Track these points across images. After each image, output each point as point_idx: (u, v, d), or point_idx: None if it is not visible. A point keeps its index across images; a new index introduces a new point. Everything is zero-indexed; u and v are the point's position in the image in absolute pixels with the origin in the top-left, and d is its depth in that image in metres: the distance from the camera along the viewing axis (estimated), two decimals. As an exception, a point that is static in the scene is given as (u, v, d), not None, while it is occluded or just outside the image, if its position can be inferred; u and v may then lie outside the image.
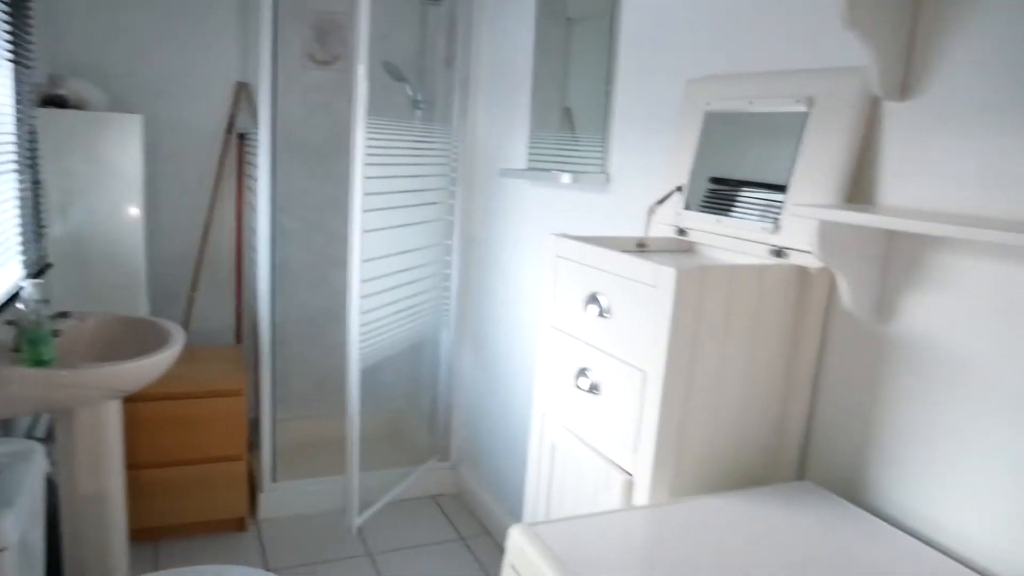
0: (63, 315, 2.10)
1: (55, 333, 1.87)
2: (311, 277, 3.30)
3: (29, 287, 1.79)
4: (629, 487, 1.33)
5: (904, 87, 1.26)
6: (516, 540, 1.11)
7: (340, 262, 3.31)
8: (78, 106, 2.54)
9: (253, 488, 2.89)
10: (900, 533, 1.20)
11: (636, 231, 1.94)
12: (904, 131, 1.26)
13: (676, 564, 1.05)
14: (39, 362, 1.79)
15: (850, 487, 1.36)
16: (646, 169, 1.93)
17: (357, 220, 2.38)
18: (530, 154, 2.51)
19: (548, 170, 2.35)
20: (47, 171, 2.44)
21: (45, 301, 1.83)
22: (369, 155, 2.40)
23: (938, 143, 1.21)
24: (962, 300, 1.18)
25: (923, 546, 1.17)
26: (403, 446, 3.41)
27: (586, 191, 2.20)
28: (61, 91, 2.52)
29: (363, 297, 2.47)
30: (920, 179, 1.24)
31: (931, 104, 1.22)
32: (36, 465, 1.48)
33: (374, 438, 3.46)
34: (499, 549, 2.76)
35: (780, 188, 1.41)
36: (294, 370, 3.35)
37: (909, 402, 1.25)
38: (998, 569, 1.12)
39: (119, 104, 2.83)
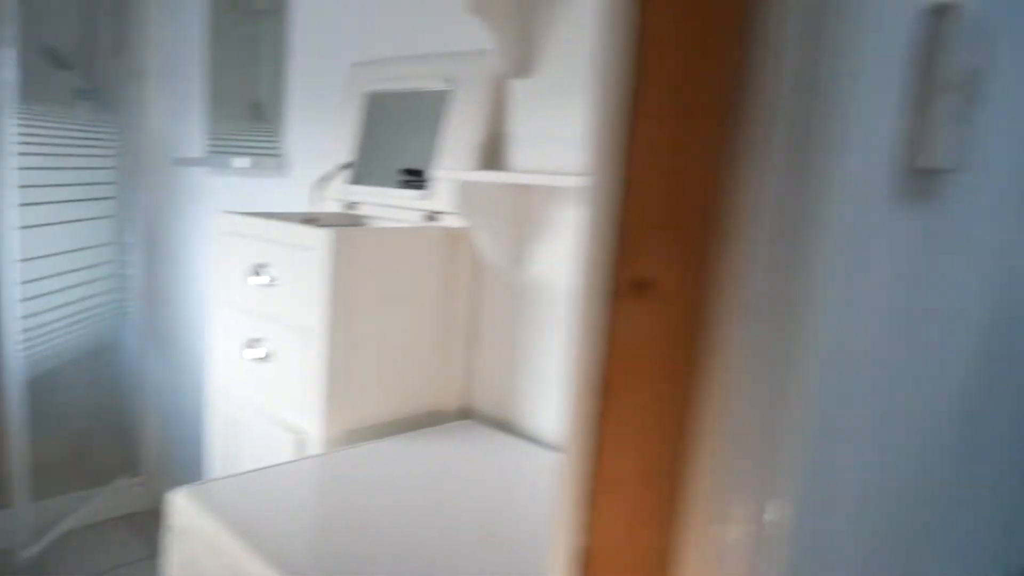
0: None
1: None
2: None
3: None
4: (303, 443, 1.37)
5: (525, 67, 1.45)
6: (180, 504, 1.10)
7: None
8: None
9: None
10: (544, 450, 1.39)
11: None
12: (527, 105, 1.46)
13: (341, 504, 1.12)
14: None
15: (507, 420, 1.53)
16: (320, 151, 1.98)
17: (11, 216, 2.14)
18: (209, 143, 2.44)
19: (224, 154, 2.31)
20: None
21: None
22: (23, 144, 2.18)
23: (552, 114, 1.42)
24: (563, 244, 1.40)
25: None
26: (87, 467, 3.10)
27: (265, 176, 2.20)
28: None
29: (23, 301, 2.23)
30: (542, 144, 1.44)
31: (546, 81, 1.43)
32: None
33: (50, 464, 3.10)
34: (203, 558, 2.64)
35: (431, 158, 1.54)
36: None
37: (543, 335, 1.45)
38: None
39: None
